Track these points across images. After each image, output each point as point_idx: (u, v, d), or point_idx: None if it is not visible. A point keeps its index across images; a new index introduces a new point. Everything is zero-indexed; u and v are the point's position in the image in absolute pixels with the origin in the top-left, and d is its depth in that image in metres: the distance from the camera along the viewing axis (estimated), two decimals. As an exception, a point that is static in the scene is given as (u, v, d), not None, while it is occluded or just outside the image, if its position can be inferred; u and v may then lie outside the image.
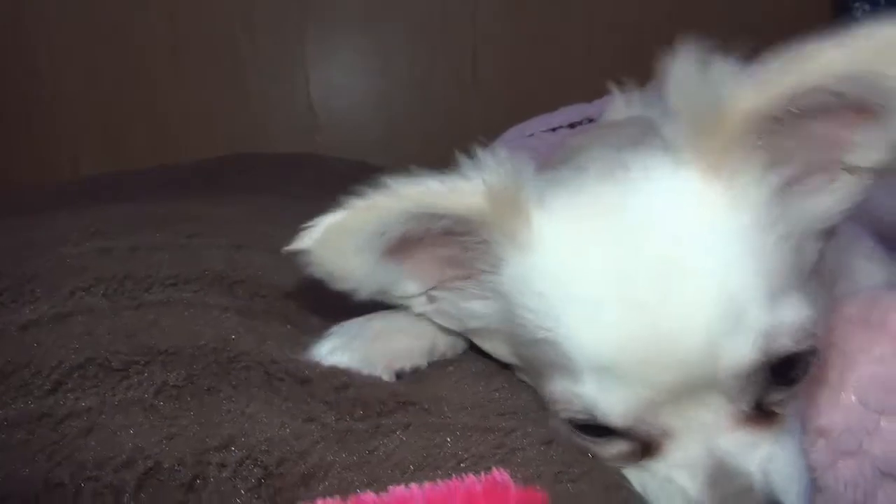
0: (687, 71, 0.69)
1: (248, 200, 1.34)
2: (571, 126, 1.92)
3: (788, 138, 0.72)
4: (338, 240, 0.76)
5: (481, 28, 2.59)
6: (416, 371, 0.86)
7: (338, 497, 0.60)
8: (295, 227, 0.79)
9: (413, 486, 0.60)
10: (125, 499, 0.62)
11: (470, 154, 0.76)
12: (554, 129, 2.00)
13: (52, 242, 0.95)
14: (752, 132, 0.70)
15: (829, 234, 0.80)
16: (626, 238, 0.70)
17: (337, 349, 0.82)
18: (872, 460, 0.81)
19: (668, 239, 0.69)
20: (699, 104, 0.69)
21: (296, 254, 0.78)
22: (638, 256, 0.69)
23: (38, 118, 2.43)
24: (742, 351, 0.67)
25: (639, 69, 1.02)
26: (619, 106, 1.14)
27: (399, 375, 0.85)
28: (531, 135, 2.01)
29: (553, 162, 0.93)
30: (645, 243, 0.69)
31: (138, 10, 2.44)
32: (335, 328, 0.86)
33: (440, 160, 0.79)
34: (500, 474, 0.60)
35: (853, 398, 0.81)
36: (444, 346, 0.89)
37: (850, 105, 0.70)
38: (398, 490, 0.60)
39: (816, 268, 0.80)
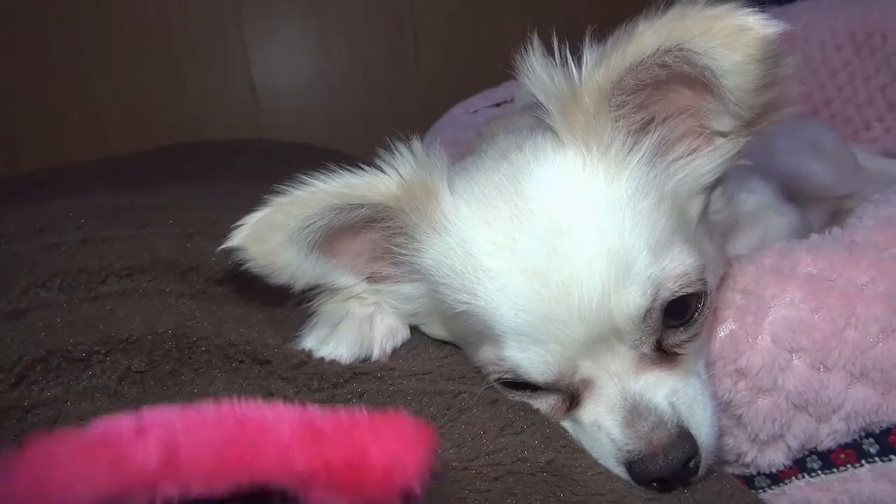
0: (536, 65, 0.77)
1: (194, 188, 1.35)
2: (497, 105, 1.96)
3: (648, 109, 0.80)
4: (266, 235, 0.80)
5: (421, 7, 2.59)
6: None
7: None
8: (242, 213, 0.82)
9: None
10: (97, 478, 0.66)
11: (387, 147, 0.81)
12: (498, 105, 2.04)
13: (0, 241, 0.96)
14: (606, 105, 0.77)
15: (713, 189, 0.88)
16: (521, 212, 0.77)
17: (327, 339, 0.85)
18: (787, 395, 0.89)
19: (555, 209, 0.76)
20: (555, 90, 0.77)
21: (230, 251, 0.82)
22: (531, 227, 0.76)
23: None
24: (632, 299, 0.74)
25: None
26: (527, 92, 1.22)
27: None
28: (476, 111, 2.04)
29: (471, 148, 1.00)
30: (536, 215, 0.76)
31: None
32: (315, 317, 0.88)
33: (384, 139, 0.84)
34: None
35: (768, 339, 0.90)
36: None
37: (682, 77, 0.77)
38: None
39: (711, 219, 0.89)
